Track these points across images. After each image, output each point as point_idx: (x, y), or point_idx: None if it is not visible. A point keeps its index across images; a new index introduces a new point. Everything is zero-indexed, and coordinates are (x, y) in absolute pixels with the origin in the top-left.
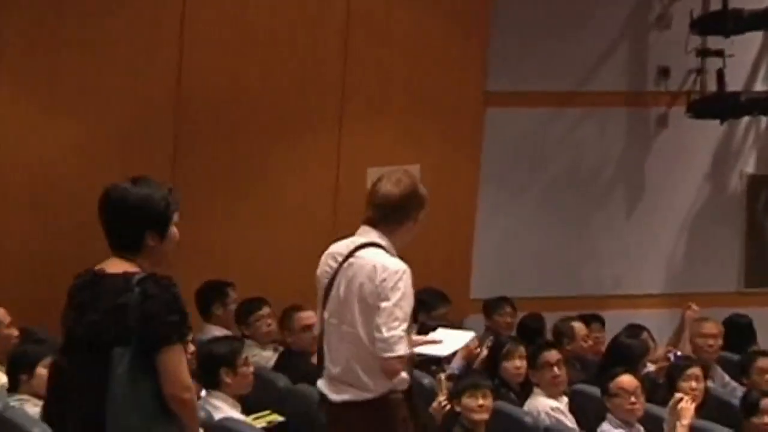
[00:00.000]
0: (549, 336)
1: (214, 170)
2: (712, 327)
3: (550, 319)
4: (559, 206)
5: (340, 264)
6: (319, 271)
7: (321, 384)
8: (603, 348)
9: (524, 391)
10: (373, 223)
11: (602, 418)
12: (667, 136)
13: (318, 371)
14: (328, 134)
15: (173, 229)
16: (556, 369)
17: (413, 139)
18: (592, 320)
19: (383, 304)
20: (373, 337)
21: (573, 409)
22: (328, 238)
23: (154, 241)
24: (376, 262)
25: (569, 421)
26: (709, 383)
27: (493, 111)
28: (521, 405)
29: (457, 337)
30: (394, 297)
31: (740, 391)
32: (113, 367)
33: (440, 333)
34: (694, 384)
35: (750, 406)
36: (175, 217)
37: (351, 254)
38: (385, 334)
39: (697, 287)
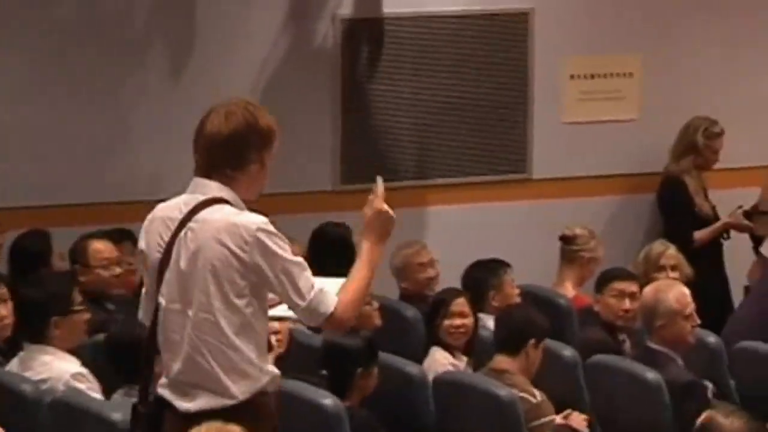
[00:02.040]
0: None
1: None
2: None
3: (61, 238)
4: (70, 68)
5: (175, 232)
6: (143, 244)
7: (164, 391)
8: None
9: (12, 349)
10: (204, 172)
11: None
12: None
13: (146, 373)
14: None
15: None
16: None
17: None
18: (122, 237)
19: (270, 275)
20: (236, 323)
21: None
22: None
23: None
24: (229, 223)
25: (95, 389)
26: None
27: None
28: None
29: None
30: (276, 259)
31: None
32: None
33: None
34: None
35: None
36: None
37: (189, 218)
38: (303, 303)
39: (281, 185)
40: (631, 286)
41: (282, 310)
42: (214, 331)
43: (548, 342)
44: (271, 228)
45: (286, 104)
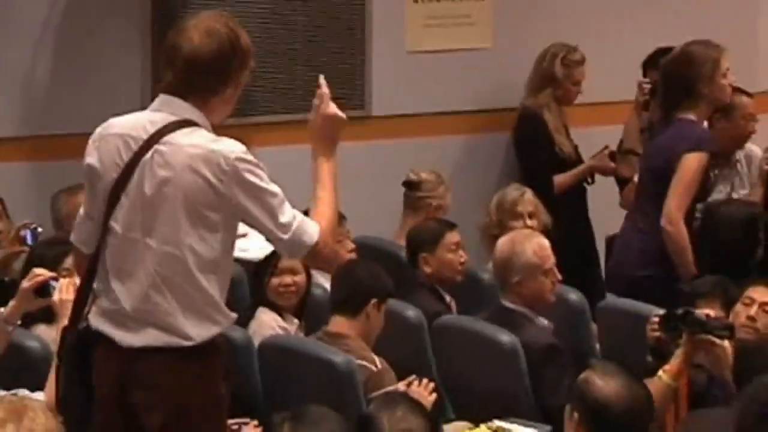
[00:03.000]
0: None
1: None
2: None
3: None
4: None
5: (139, 153)
6: (94, 160)
7: (100, 322)
8: None
9: None
10: (178, 92)
11: None
12: None
13: (81, 303)
14: None
15: None
16: None
17: None
18: None
19: (249, 207)
20: (203, 260)
21: None
22: None
23: None
24: (206, 150)
25: None
26: None
27: None
28: None
29: None
30: (256, 190)
31: None
32: None
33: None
34: None
35: None
36: None
37: (156, 138)
38: (286, 236)
39: (87, 127)
40: (455, 236)
41: (238, 250)
42: (178, 268)
43: (390, 302)
44: (250, 157)
45: (88, 41)
